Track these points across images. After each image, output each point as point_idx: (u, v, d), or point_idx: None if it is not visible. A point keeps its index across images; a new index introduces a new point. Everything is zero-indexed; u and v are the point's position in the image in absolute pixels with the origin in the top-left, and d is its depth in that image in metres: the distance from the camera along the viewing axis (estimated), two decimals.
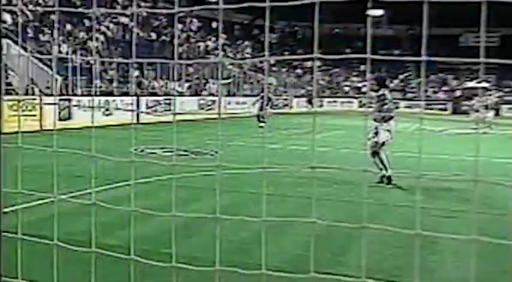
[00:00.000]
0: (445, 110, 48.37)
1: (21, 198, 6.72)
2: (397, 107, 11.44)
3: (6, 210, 6.78)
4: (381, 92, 10.79)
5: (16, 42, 27.02)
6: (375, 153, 10.69)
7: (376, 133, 10.64)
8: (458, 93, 50.68)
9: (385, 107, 10.67)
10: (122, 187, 9.24)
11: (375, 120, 10.70)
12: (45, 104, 22.91)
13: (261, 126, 24.38)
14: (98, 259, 2.37)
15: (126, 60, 28.33)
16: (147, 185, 9.69)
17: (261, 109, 25.99)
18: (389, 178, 10.52)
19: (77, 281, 2.20)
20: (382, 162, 10.65)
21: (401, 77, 54.64)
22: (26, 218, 6.74)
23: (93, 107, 25.06)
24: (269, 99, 29.54)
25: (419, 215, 8.19)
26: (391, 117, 10.72)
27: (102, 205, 2.46)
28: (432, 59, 1.85)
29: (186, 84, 35.96)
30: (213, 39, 47.11)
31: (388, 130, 10.67)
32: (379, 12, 59.73)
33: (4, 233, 2.40)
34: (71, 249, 2.22)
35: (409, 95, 52.91)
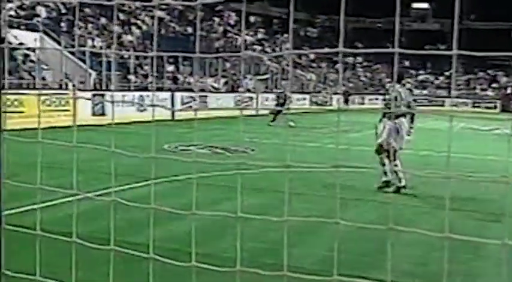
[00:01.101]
0: (494, 108, 47.58)
1: (49, 195, 6.84)
2: (408, 105, 10.61)
3: (35, 207, 6.90)
4: (388, 85, 10.75)
5: (50, 36, 27.46)
6: (378, 152, 10.16)
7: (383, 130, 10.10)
8: (509, 90, 49.78)
9: (395, 103, 9.89)
10: (150, 185, 9.31)
11: (384, 115, 10.31)
12: (79, 97, 23.24)
13: (270, 125, 24.06)
14: (124, 258, 2.38)
15: (162, 53, 28.48)
16: (178, 182, 9.75)
17: (277, 105, 25.47)
18: (387, 183, 9.88)
19: (103, 280, 2.24)
20: (383, 164, 10.05)
21: (446, 73, 53.81)
22: (54, 214, 6.84)
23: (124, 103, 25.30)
24: (285, 97, 27.56)
25: (462, 218, 8.10)
26: (402, 115, 10.01)
27: (126, 203, 2.46)
28: (463, 52, 1.78)
29: (222, 80, 36.10)
30: (251, 33, 47.21)
31: (394, 128, 9.97)
32: (424, 5, 59.11)
33: (30, 230, 2.44)
34: (95, 247, 2.22)
35: (455, 93, 52.15)
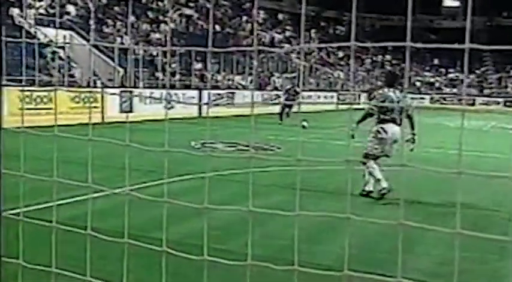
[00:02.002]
0: None
1: (78, 191, 6.94)
2: (406, 111, 9.71)
3: (62, 202, 7.01)
4: (380, 91, 9.54)
5: (79, 34, 27.73)
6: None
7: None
8: None
9: (382, 109, 9.08)
10: (178, 182, 9.38)
11: (381, 121, 9.23)
12: (109, 94, 23.47)
13: (280, 123, 23.39)
14: (147, 253, 2.41)
15: (189, 47, 28.53)
16: (205, 179, 9.81)
17: (285, 105, 24.62)
18: (369, 193, 9.22)
19: (130, 273, 2.29)
20: (370, 173, 9.21)
21: (477, 72, 53.21)
22: (81, 210, 6.92)
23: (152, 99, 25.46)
24: (295, 92, 26.24)
25: (484, 217, 8.06)
26: (392, 120, 9.09)
27: (152, 199, 2.50)
28: (475, 46, 1.77)
29: (250, 78, 36.17)
30: (279, 31, 47.21)
31: (377, 137, 9.18)
32: (455, 3, 58.54)
33: (59, 224, 2.49)
34: (110, 240, 2.26)
35: (487, 91, 51.54)
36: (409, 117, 9.36)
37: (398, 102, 9.15)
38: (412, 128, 9.22)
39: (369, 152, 9.21)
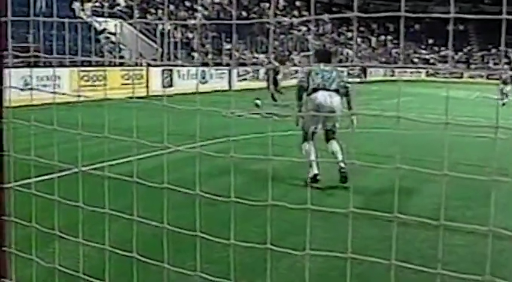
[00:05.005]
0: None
1: (145, 149, 7.08)
2: (345, 87, 7.33)
3: (123, 160, 7.14)
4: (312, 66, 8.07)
5: (127, 22, 27.93)
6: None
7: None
8: None
9: (309, 79, 7.40)
10: (214, 144, 9.52)
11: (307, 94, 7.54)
12: (150, 66, 23.60)
13: (275, 104, 18.43)
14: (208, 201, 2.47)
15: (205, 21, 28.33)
16: (235, 142, 9.96)
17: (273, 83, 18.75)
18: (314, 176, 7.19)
19: (185, 221, 2.38)
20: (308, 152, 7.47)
21: (464, 50, 53.16)
22: (143, 166, 7.05)
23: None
24: (276, 72, 19.05)
25: (472, 171, 8.05)
26: (323, 88, 7.31)
27: (207, 154, 2.57)
28: (461, 16, 1.85)
29: (272, 56, 35.99)
30: (297, 15, 46.80)
31: (308, 108, 7.41)
32: None
33: (124, 177, 2.60)
34: (180, 191, 2.36)
35: (472, 66, 51.59)
36: (347, 95, 7.44)
37: (330, 72, 7.38)
38: (349, 107, 7.63)
39: (305, 128, 7.49)
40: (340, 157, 7.10)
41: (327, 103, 7.19)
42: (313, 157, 7.26)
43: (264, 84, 19.94)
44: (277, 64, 23.29)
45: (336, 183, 6.98)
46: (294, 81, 26.94)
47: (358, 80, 39.10)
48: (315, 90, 7.30)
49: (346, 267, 2.13)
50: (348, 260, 1.92)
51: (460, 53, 53.47)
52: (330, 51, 9.38)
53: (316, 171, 7.11)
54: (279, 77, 19.01)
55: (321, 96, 7.24)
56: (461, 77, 46.81)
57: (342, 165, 6.97)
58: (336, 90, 7.30)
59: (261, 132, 10.64)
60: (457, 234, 5.05)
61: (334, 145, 7.23)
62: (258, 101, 17.83)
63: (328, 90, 7.28)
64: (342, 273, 4.02)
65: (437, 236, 4.77)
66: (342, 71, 7.84)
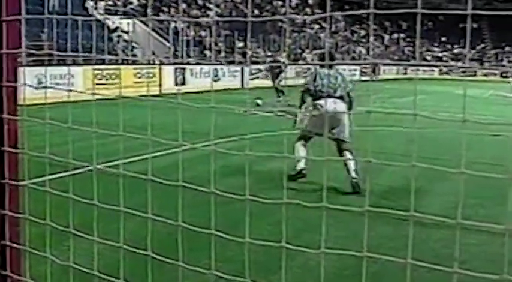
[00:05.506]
0: None
1: (159, 146, 7.10)
2: (347, 93, 7.36)
3: (138, 158, 7.16)
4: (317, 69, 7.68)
5: (140, 21, 28.00)
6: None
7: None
8: None
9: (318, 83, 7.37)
10: (228, 142, 9.52)
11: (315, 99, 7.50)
12: (164, 64, 23.67)
13: (279, 101, 18.62)
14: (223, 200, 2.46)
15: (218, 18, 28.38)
16: (247, 140, 9.93)
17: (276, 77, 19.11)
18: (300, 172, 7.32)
19: (200, 220, 2.36)
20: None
21: (478, 48, 52.70)
22: (157, 164, 7.04)
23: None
24: (280, 71, 19.49)
25: (487, 170, 7.97)
26: (328, 96, 7.27)
27: (221, 151, 2.55)
28: (477, 12, 1.83)
29: (284, 54, 35.97)
30: (309, 13, 46.64)
31: (312, 114, 7.48)
32: None
33: (139, 175, 2.59)
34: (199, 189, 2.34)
35: (486, 64, 51.14)
36: (349, 97, 7.40)
37: (335, 78, 7.36)
38: (350, 109, 7.44)
39: (304, 130, 7.55)
40: (352, 168, 6.99)
41: (332, 110, 7.22)
42: (302, 154, 7.32)
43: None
44: (283, 60, 23.71)
45: (348, 183, 6.96)
46: (302, 81, 26.81)
47: (368, 78, 39.00)
48: (320, 97, 7.32)
49: (359, 266, 2.12)
50: (364, 258, 1.90)
51: (474, 51, 53.15)
52: (330, 52, 9.46)
53: (303, 166, 7.22)
54: (283, 75, 19.32)
55: (325, 103, 7.23)
56: (474, 75, 46.52)
57: (354, 175, 6.92)
58: (341, 97, 7.32)
59: (272, 131, 10.62)
60: (471, 233, 5.02)
61: (348, 157, 7.10)
62: (258, 101, 17.92)
63: (333, 97, 7.29)
64: (355, 272, 4.05)
65: (451, 235, 4.79)
66: (343, 75, 7.75)
